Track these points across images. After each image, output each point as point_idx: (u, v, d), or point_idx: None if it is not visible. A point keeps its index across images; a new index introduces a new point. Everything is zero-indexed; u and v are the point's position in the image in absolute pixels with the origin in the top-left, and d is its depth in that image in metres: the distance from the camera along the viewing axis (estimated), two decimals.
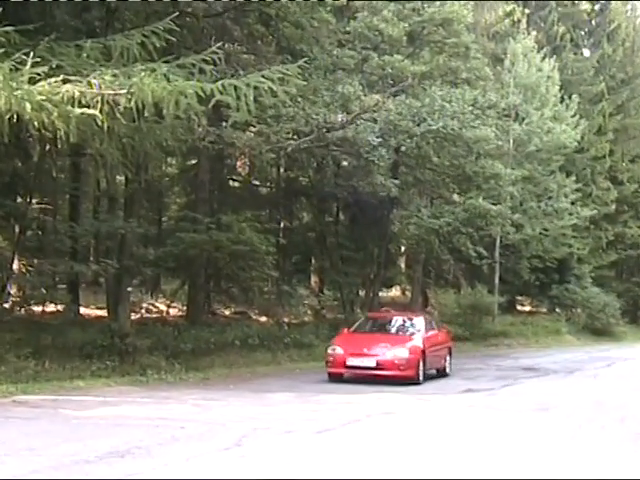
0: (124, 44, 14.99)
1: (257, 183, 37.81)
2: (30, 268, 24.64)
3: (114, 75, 13.17)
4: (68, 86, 12.49)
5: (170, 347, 21.48)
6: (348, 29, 28.84)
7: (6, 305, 22.67)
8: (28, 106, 12.01)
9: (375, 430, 12.24)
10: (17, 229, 23.71)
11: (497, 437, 11.70)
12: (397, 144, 27.86)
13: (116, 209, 26.50)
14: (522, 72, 39.55)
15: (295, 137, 25.03)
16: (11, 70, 12.07)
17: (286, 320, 29.61)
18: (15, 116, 12.40)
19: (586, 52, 56.03)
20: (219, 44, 16.33)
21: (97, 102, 12.65)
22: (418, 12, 31.10)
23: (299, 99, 22.49)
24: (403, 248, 42.61)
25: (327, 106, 24.40)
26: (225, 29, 22.84)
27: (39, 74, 12.24)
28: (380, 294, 36.41)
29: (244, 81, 14.06)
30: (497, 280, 40.48)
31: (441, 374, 21.91)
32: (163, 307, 29.63)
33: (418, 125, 26.65)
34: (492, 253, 39.14)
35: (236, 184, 36.24)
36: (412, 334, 21.23)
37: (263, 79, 14.20)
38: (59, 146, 15.76)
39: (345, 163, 30.65)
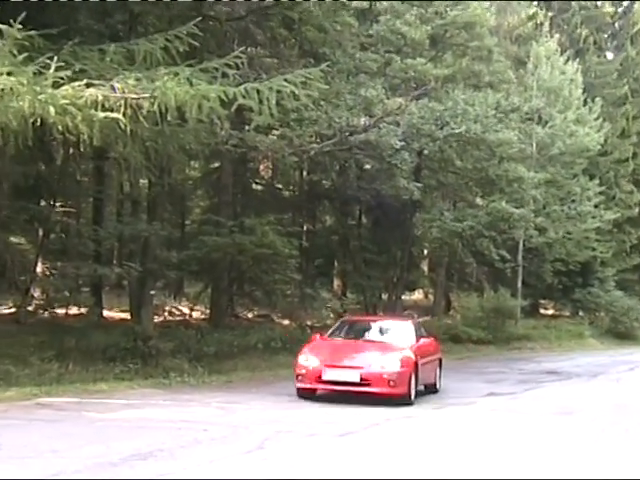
0: (147, 48, 15.01)
1: (280, 186, 37.88)
2: (54, 271, 24.85)
3: (137, 79, 13.20)
4: (91, 90, 12.52)
5: (193, 350, 21.43)
6: (371, 32, 28.88)
7: (30, 308, 22.85)
8: (52, 110, 12.04)
9: (397, 433, 12.26)
10: (41, 232, 23.92)
11: (519, 440, 11.68)
12: (420, 147, 27.91)
13: (139, 212, 26.62)
14: (545, 75, 39.50)
15: (318, 140, 25.07)
16: (35, 74, 12.11)
17: (309, 323, 29.56)
18: (39, 120, 12.43)
19: (609, 55, 55.87)
20: (242, 48, 16.27)
21: (120, 106, 12.68)
22: (441, 15, 31.11)
23: (322, 102, 22.46)
24: (426, 251, 42.64)
25: (350, 109, 24.39)
26: (248, 33, 22.83)
27: (63, 78, 12.26)
28: (403, 297, 36.41)
29: (267, 85, 14.05)
30: (520, 283, 40.34)
31: (430, 390, 18.08)
32: (186, 310, 29.64)
33: (441, 129, 26.69)
34: (515, 256, 39.09)
35: (259, 187, 36.32)
36: (401, 342, 17.02)
37: (286, 83, 14.18)
38: (82, 149, 15.75)
39: (368, 166, 30.65)
